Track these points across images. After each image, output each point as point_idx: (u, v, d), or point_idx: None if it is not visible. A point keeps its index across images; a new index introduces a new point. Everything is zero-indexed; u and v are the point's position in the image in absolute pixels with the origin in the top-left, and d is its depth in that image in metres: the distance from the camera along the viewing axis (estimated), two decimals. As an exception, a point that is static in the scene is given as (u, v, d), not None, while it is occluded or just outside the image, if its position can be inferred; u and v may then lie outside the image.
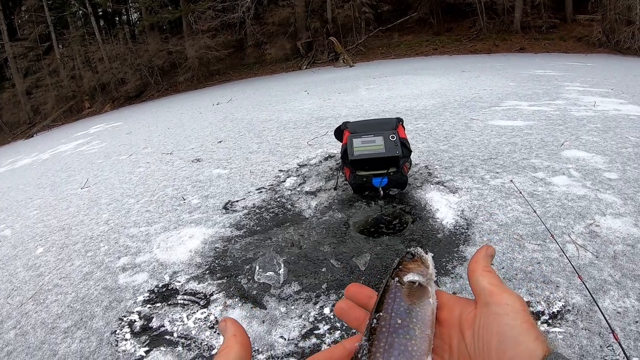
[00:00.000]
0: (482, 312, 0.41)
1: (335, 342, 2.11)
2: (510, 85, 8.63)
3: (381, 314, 0.43)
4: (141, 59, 21.35)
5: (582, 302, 2.15)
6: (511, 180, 3.57)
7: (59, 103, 20.82)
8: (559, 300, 2.19)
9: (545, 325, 2.03)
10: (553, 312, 2.11)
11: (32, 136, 17.16)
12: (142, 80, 21.51)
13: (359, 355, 0.41)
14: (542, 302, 2.19)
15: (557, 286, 2.30)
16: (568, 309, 2.12)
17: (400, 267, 0.47)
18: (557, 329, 2.00)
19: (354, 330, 0.48)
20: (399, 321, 0.42)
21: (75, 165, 7.28)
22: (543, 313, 2.12)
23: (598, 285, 2.26)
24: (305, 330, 2.25)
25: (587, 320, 2.03)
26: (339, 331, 2.20)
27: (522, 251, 2.67)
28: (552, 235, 2.55)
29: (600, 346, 1.87)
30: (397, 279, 0.45)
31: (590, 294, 1.91)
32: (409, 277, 0.45)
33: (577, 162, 3.96)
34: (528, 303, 2.18)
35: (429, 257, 0.48)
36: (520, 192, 3.30)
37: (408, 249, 0.49)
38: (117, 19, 27.02)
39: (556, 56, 15.06)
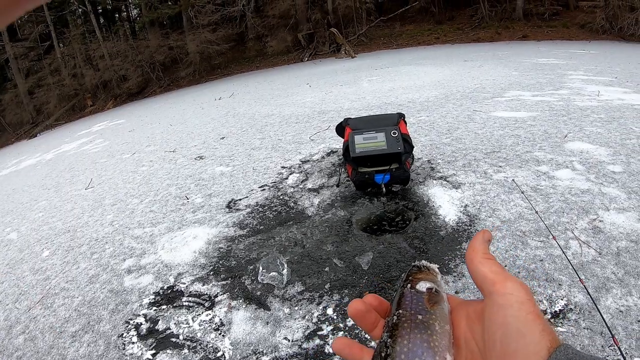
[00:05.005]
0: (487, 304, 0.41)
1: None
2: (513, 75, 8.57)
3: (401, 311, 0.44)
4: (142, 55, 21.28)
5: (584, 300, 2.15)
6: (513, 180, 3.54)
7: (61, 102, 20.78)
8: (561, 299, 2.19)
9: (547, 324, 2.04)
10: (555, 311, 2.12)
11: (36, 136, 17.20)
12: (143, 77, 21.44)
13: (382, 354, 0.41)
14: (544, 301, 2.20)
15: (560, 284, 2.30)
16: (570, 308, 2.12)
17: (411, 278, 0.48)
18: (559, 329, 2.00)
19: (358, 331, 0.47)
20: (420, 317, 0.43)
21: (79, 165, 7.31)
22: (545, 312, 2.12)
23: (601, 283, 2.25)
24: (308, 332, 2.26)
25: (589, 319, 2.03)
26: (342, 332, 2.21)
27: (524, 248, 2.66)
28: (553, 238, 2.54)
29: (602, 346, 1.87)
30: (409, 285, 0.47)
31: (590, 297, 1.91)
32: (422, 284, 0.46)
33: (580, 154, 3.92)
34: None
35: (435, 267, 0.50)
36: (523, 193, 3.27)
37: (414, 263, 0.51)
38: (117, 15, 26.92)
39: (559, 44, 14.86)
